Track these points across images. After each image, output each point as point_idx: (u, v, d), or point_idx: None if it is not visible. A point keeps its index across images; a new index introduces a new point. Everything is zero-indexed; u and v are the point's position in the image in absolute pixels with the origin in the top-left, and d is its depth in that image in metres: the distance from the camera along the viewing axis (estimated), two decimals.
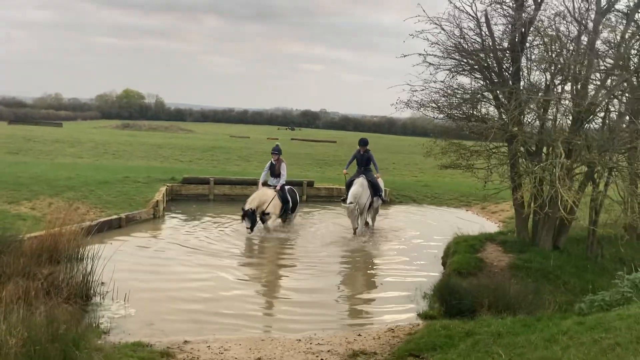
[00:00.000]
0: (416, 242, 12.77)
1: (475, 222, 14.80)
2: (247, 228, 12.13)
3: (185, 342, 6.46)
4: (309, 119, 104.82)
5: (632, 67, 8.98)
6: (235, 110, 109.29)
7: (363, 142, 13.52)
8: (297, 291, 8.95)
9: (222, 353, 6.18)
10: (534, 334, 5.96)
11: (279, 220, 13.11)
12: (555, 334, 5.75)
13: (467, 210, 17.69)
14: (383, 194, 13.82)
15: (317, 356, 6.21)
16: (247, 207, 12.16)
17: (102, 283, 8.11)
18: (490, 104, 9.93)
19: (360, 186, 12.58)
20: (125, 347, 6.03)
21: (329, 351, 6.39)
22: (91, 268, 8.08)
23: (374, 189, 13.06)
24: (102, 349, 5.80)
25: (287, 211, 13.26)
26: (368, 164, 13.38)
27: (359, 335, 7.05)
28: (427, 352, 6.16)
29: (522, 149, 9.58)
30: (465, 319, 7.07)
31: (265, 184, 13.28)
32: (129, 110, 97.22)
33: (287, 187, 13.33)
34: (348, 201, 12.31)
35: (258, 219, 12.37)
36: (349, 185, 13.02)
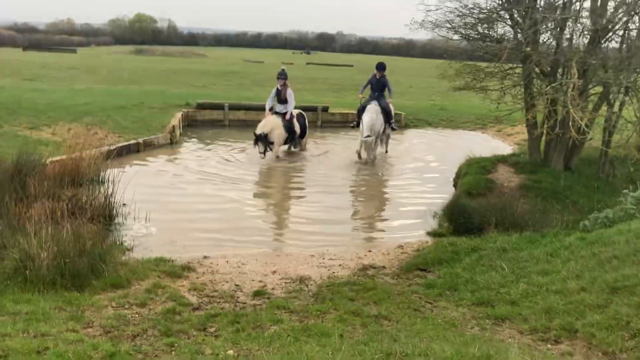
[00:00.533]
0: (429, 165, 12.95)
1: (490, 145, 14.90)
2: (260, 153, 12.10)
3: (205, 257, 6.81)
4: (325, 42, 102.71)
5: None
6: (248, 34, 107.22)
7: (380, 67, 13.17)
8: (310, 211, 9.24)
9: (239, 267, 6.53)
10: (537, 249, 6.21)
11: (284, 147, 13.05)
12: (557, 248, 5.99)
13: (482, 132, 17.68)
14: (394, 123, 13.69)
15: (328, 269, 6.54)
16: (259, 131, 12.10)
17: (124, 204, 8.45)
18: (506, 24, 9.74)
19: (374, 113, 12.43)
20: (148, 262, 6.38)
21: (340, 265, 6.72)
22: (112, 190, 8.39)
23: (386, 115, 12.92)
24: (126, 264, 6.18)
25: (293, 140, 13.15)
26: (383, 89, 13.14)
27: (370, 251, 7.37)
28: (434, 266, 6.47)
29: (536, 69, 9.48)
30: (473, 236, 7.33)
31: (272, 111, 12.97)
32: (141, 35, 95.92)
33: (296, 112, 13.06)
34: (365, 134, 12.13)
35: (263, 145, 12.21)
36: (361, 110, 12.84)
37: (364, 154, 12.62)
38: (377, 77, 13.10)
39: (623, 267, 4.94)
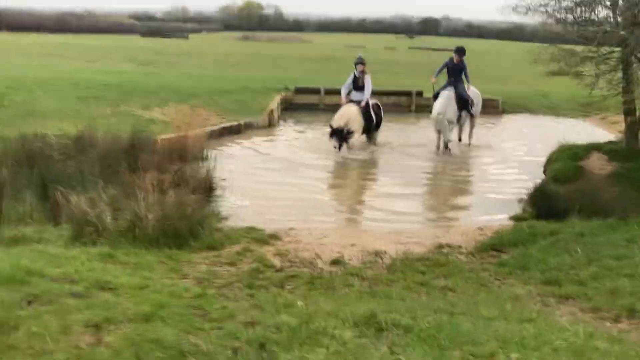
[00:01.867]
0: (520, 151, 12.77)
1: (591, 132, 14.39)
2: (335, 147, 11.49)
3: (291, 229, 7.37)
4: (429, 27, 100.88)
5: None
6: (352, 19, 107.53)
7: (460, 51, 12.48)
8: (392, 192, 9.56)
9: (321, 239, 7.03)
10: (616, 234, 6.18)
11: (362, 137, 12.38)
12: (637, 235, 5.95)
13: (585, 120, 16.99)
14: (474, 108, 12.76)
15: (405, 246, 6.85)
16: (335, 125, 11.50)
17: (223, 179, 9.23)
18: (605, 6, 9.42)
19: (446, 99, 11.95)
20: (240, 229, 7.06)
21: (416, 242, 7.02)
22: (214, 166, 9.21)
23: (462, 102, 12.25)
24: (221, 230, 6.90)
25: (370, 130, 12.44)
26: (460, 74, 12.42)
27: (448, 231, 7.60)
28: (509, 247, 6.61)
29: (638, 53, 9.12)
30: (554, 221, 7.34)
31: (348, 98, 12.41)
32: (249, 22, 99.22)
33: (371, 102, 12.39)
34: (435, 113, 11.80)
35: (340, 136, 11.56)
36: (436, 97, 12.32)
37: (443, 145, 12.31)
38: (455, 61, 12.45)
39: None
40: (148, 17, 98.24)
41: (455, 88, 12.30)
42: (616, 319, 4.37)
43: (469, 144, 13.20)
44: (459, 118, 12.58)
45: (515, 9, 9.79)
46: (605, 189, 8.09)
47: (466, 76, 12.55)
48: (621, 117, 15.86)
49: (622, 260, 5.38)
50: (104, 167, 8.16)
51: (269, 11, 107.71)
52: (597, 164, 9.43)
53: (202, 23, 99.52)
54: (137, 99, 14.39)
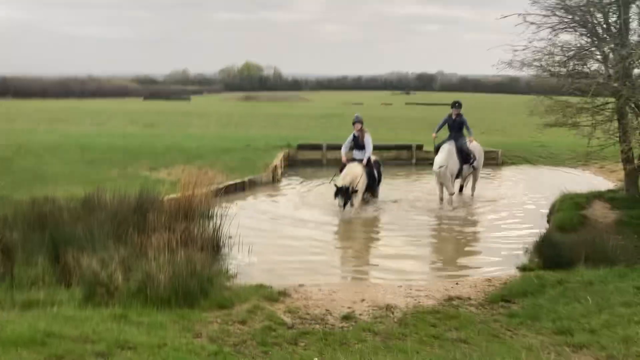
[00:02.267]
0: (523, 202, 12.86)
1: (591, 181, 14.55)
2: (340, 206, 11.43)
3: (300, 285, 7.39)
4: (425, 82, 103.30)
5: None
6: (349, 77, 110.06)
7: (456, 105, 12.78)
8: (399, 247, 9.58)
9: (330, 294, 7.05)
10: (625, 282, 6.22)
11: (363, 197, 12.22)
12: None
13: (584, 170, 17.19)
14: (477, 162, 12.95)
15: (415, 299, 6.89)
16: (340, 184, 11.49)
17: (230, 237, 9.31)
18: (597, 61, 9.77)
19: (447, 153, 12.13)
20: (249, 287, 7.08)
21: (426, 296, 7.04)
22: (220, 224, 9.30)
23: (463, 156, 12.47)
24: (230, 288, 6.92)
25: (372, 187, 12.50)
26: (460, 129, 12.74)
27: (457, 284, 7.61)
28: (518, 298, 6.64)
29: (630, 104, 9.39)
30: (561, 270, 7.38)
31: (350, 159, 12.40)
32: (249, 82, 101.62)
33: (373, 159, 12.46)
34: (437, 166, 11.94)
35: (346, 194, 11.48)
36: (437, 150, 12.54)
37: (446, 199, 12.44)
38: (454, 116, 12.75)
39: None
40: (150, 81, 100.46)
41: (456, 142, 12.52)
42: None
43: (472, 197, 13.31)
44: (460, 171, 12.68)
45: (510, 64, 10.12)
46: (610, 237, 8.15)
47: (468, 129, 12.87)
48: (619, 166, 16.11)
49: (632, 307, 5.41)
50: (113, 227, 8.24)
51: (268, 72, 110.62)
52: (600, 213, 9.53)
53: (203, 85, 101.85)
54: (143, 160, 14.64)
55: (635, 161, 9.30)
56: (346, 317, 6.17)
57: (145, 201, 9.73)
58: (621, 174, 15.30)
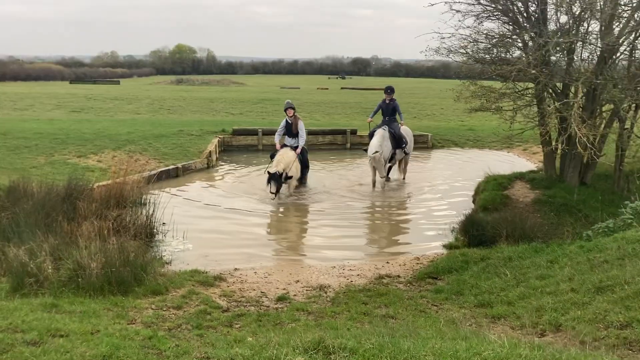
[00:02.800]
0: (450, 184, 13.40)
1: (514, 163, 15.29)
2: (271, 192, 11.35)
3: (235, 269, 7.50)
4: (359, 67, 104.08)
5: None
6: (285, 61, 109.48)
7: (389, 90, 13.19)
8: (333, 230, 9.81)
9: (266, 277, 7.19)
10: (540, 257, 6.68)
11: (296, 183, 12.39)
12: (558, 256, 6.46)
13: (508, 152, 18.03)
14: (407, 146, 13.25)
15: (347, 279, 7.14)
16: (272, 170, 11.42)
17: (164, 223, 9.25)
18: (518, 48, 10.28)
19: (380, 137, 12.39)
20: (184, 273, 7.11)
21: (358, 275, 7.31)
22: (153, 211, 9.20)
23: (396, 140, 12.73)
24: (165, 274, 6.92)
25: (304, 175, 12.69)
26: (393, 113, 13.09)
27: (387, 262, 7.93)
28: (444, 274, 7.00)
29: (548, 89, 9.95)
30: (484, 247, 7.81)
31: (283, 145, 12.47)
32: (182, 65, 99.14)
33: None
34: (372, 151, 12.13)
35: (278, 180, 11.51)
36: (371, 135, 12.87)
37: (379, 182, 12.74)
38: (387, 101, 13.13)
39: (611, 269, 5.38)
40: (76, 63, 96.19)
41: (389, 126, 12.83)
42: (542, 334, 4.75)
43: (403, 179, 13.71)
44: (393, 155, 13.00)
45: (437, 51, 10.48)
46: (529, 215, 8.67)
47: (399, 114, 13.24)
48: (540, 148, 17.08)
49: (545, 279, 5.82)
50: (41, 217, 8.01)
51: (201, 54, 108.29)
52: (521, 192, 10.10)
53: (132, 68, 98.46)
54: (71, 147, 14.19)
55: (553, 143, 9.90)
56: (281, 298, 6.33)
57: (74, 189, 9.48)
58: (542, 156, 16.25)
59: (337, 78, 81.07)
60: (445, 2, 9.82)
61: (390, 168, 13.63)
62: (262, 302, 6.24)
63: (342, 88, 54.98)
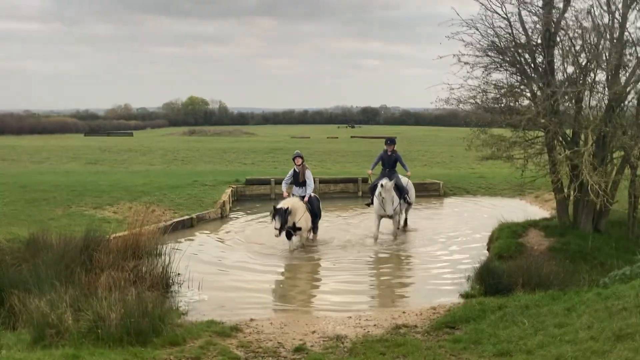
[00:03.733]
0: (464, 232, 13.37)
1: (527, 210, 15.28)
2: (276, 229, 11.11)
3: (251, 319, 7.50)
4: (369, 116, 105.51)
5: None
6: (295, 111, 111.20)
7: (390, 142, 12.89)
8: (347, 281, 9.79)
9: (282, 328, 7.18)
10: (557, 305, 6.65)
11: (309, 235, 12.28)
12: (576, 304, 6.45)
13: (521, 199, 18.04)
14: (409, 196, 13.10)
15: (364, 329, 7.11)
16: (278, 205, 11.32)
17: (179, 274, 9.32)
18: (527, 98, 10.49)
19: (389, 190, 11.84)
20: (201, 324, 7.13)
21: (374, 325, 7.28)
22: (169, 261, 9.29)
23: (399, 191, 12.34)
24: (182, 325, 6.95)
25: (315, 224, 12.31)
26: (394, 165, 12.77)
27: (404, 312, 7.90)
28: (462, 324, 6.96)
29: (558, 137, 10.09)
30: (501, 296, 7.78)
31: (291, 195, 12.19)
32: (194, 116, 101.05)
33: (312, 195, 12.27)
34: (382, 183, 11.73)
35: (288, 231, 11.43)
36: (373, 188, 12.49)
37: (391, 231, 12.32)
38: (388, 152, 12.78)
39: (630, 317, 5.37)
40: (90, 116, 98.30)
41: (390, 178, 12.28)
42: None
43: (405, 229, 13.51)
44: (399, 206, 12.49)
45: (447, 101, 10.72)
46: (544, 263, 8.65)
47: (403, 165, 12.95)
48: (552, 195, 17.09)
49: (564, 327, 5.80)
50: (61, 269, 8.13)
51: (213, 106, 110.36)
52: (535, 240, 10.10)
53: (145, 120, 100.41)
54: (87, 198, 14.42)
55: (565, 190, 9.97)
56: (298, 349, 6.32)
57: (91, 240, 9.62)
58: (554, 203, 16.25)
59: (346, 127, 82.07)
60: (454, 55, 10.10)
61: (403, 220, 13.53)
62: (280, 352, 6.23)
63: (351, 137, 55.64)
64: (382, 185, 11.81)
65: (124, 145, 38.74)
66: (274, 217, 11.17)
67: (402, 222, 13.46)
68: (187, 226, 13.53)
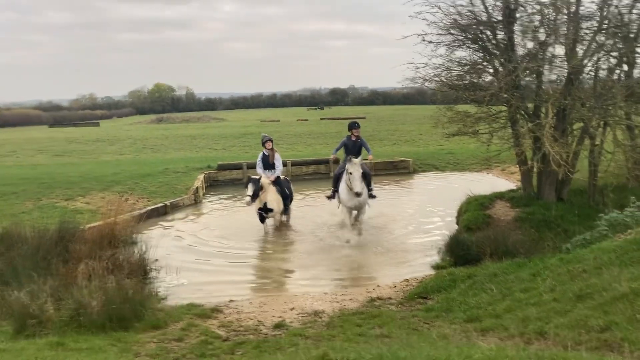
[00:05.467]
0: (433, 206, 13.73)
1: (494, 184, 15.71)
2: (248, 196, 11.29)
3: (231, 301, 7.68)
4: (337, 97, 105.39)
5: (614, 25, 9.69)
6: (264, 95, 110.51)
7: (354, 126, 11.81)
8: (324, 257, 10.04)
9: (261, 307, 7.39)
10: (523, 271, 6.97)
11: (280, 217, 12.31)
12: (540, 269, 6.77)
13: (487, 173, 18.50)
14: (372, 188, 11.85)
15: (340, 304, 7.37)
16: (254, 176, 11.66)
17: (156, 260, 9.42)
18: (489, 74, 10.78)
19: (359, 179, 10.69)
20: (181, 307, 7.30)
21: (350, 299, 7.55)
22: (146, 249, 9.38)
23: (365, 179, 11.23)
24: (162, 309, 7.09)
25: (286, 206, 12.38)
26: (360, 152, 11.68)
27: (378, 286, 8.19)
28: (433, 294, 7.27)
29: (521, 111, 10.42)
30: (470, 266, 8.11)
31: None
32: (161, 104, 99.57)
33: (282, 178, 12.41)
34: (356, 189, 10.53)
35: (260, 213, 11.72)
36: (336, 179, 11.60)
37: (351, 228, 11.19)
38: (353, 138, 11.73)
39: (589, 278, 5.69)
40: (54, 107, 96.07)
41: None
42: (529, 342, 5.01)
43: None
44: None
45: (412, 80, 10.93)
46: (511, 233, 9.01)
47: (368, 149, 11.94)
48: (518, 167, 17.58)
49: (529, 292, 6.11)
50: (37, 260, 8.16)
51: (180, 92, 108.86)
52: (502, 211, 10.46)
53: (111, 109, 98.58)
54: (58, 190, 14.31)
55: (529, 162, 10.33)
56: (278, 326, 6.54)
57: (66, 232, 9.64)
58: (519, 175, 16.72)
59: (315, 109, 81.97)
60: (418, 35, 10.30)
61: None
62: (260, 330, 6.44)
63: (321, 119, 55.65)
64: (349, 159, 10.74)
65: (91, 136, 38.17)
66: (246, 185, 11.58)
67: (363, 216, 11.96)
68: (161, 213, 13.57)
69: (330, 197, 12.19)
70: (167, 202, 14.02)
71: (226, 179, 17.91)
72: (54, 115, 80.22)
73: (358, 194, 10.65)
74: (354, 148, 11.73)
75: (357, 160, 10.78)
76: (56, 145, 31.28)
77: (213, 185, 17.51)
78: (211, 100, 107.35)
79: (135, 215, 12.17)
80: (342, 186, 11.14)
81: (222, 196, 16.04)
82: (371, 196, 11.66)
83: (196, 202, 14.96)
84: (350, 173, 10.68)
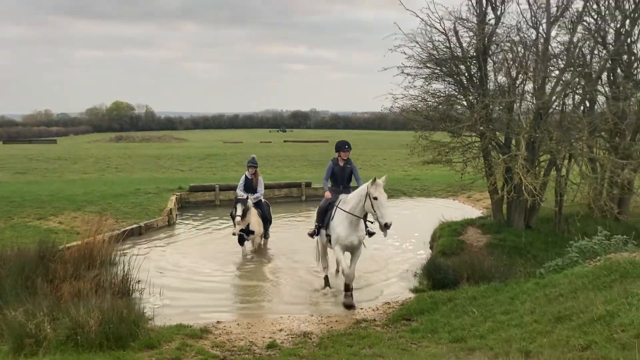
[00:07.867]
0: (407, 232, 14.11)
1: (461, 210, 16.30)
2: (238, 216, 11.27)
3: (218, 322, 7.82)
4: (299, 120, 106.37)
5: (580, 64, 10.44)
6: (225, 116, 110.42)
7: (343, 147, 9.46)
8: (306, 280, 10.25)
9: (249, 328, 7.57)
10: (501, 295, 7.42)
11: (261, 240, 12.36)
12: (517, 293, 7.22)
13: (454, 199, 19.13)
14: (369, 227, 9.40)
15: (327, 325, 7.62)
16: (239, 196, 11.67)
17: (139, 281, 9.46)
18: (463, 106, 11.38)
19: (347, 221, 8.77)
20: (170, 327, 7.39)
21: (337, 321, 7.81)
22: (127, 269, 9.42)
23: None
24: (153, 329, 7.20)
25: (266, 230, 12.47)
26: (350, 179, 9.57)
27: (361, 308, 8.47)
28: (416, 315, 7.60)
29: (493, 142, 11.01)
30: (448, 289, 8.50)
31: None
32: (119, 122, 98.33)
33: (263, 201, 12.49)
34: (386, 221, 8.31)
35: (240, 235, 11.78)
36: (323, 212, 9.30)
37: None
38: (341, 163, 9.49)
39: (566, 301, 6.15)
40: (7, 123, 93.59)
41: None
42: None
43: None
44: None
45: (391, 109, 11.43)
46: (485, 258, 9.48)
47: (357, 178, 9.54)
48: (483, 195, 18.27)
49: (510, 314, 6.53)
50: (21, 280, 8.13)
51: (139, 111, 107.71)
52: (474, 237, 10.96)
53: (68, 126, 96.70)
54: (29, 209, 14.12)
55: (499, 192, 10.89)
56: (270, 346, 6.73)
57: (47, 251, 9.58)
58: (486, 202, 17.38)
59: (278, 131, 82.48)
60: (398, 67, 10.82)
61: None
62: (254, 350, 6.62)
63: (284, 141, 56.08)
64: (374, 180, 8.37)
65: (51, 154, 37.40)
66: (235, 205, 11.52)
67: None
68: (136, 234, 13.55)
69: (312, 235, 9.87)
70: (142, 224, 14.01)
71: (198, 200, 17.97)
72: (8, 131, 78.25)
73: (388, 226, 8.28)
74: (342, 175, 9.49)
75: (380, 182, 8.40)
76: (16, 163, 30.55)
77: (185, 206, 17.54)
78: (171, 119, 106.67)
79: (111, 235, 12.14)
80: (339, 218, 8.84)
81: (194, 217, 16.10)
82: (368, 232, 9.40)
83: (169, 223, 14.98)
84: (375, 198, 8.25)
